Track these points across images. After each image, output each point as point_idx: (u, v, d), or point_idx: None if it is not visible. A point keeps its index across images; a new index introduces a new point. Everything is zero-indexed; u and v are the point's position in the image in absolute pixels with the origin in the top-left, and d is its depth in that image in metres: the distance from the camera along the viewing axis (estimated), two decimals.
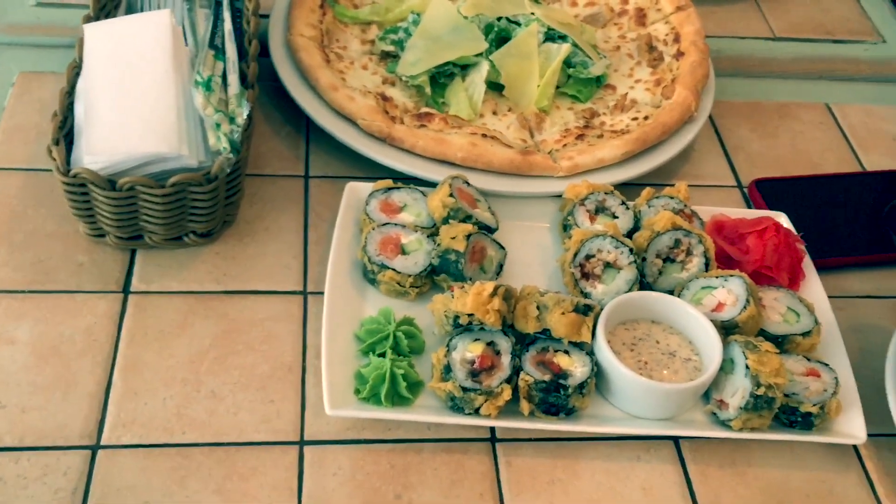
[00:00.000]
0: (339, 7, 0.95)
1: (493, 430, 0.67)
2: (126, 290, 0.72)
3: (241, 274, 0.74)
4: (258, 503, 0.61)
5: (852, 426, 0.67)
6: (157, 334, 0.69)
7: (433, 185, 0.79)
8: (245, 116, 0.72)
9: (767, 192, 0.87)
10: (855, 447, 0.69)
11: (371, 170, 0.83)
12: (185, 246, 0.75)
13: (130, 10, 0.86)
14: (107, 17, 0.83)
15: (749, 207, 0.87)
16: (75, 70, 0.75)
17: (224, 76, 0.77)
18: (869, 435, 0.69)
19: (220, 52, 0.80)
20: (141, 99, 0.71)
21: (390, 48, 0.92)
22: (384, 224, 0.74)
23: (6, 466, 0.60)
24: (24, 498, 0.59)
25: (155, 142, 0.68)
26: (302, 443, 0.65)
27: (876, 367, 0.72)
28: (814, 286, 0.77)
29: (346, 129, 0.83)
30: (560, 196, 0.81)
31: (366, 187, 0.78)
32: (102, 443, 0.62)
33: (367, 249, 0.72)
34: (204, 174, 0.69)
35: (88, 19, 0.80)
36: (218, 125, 0.72)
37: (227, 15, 0.86)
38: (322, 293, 0.71)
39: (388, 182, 0.78)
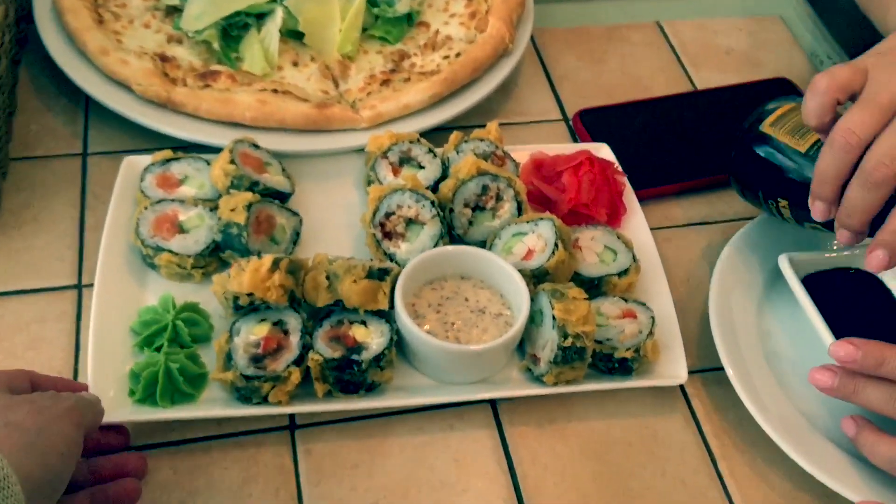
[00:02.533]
0: None
1: (292, 416, 0.61)
2: None
3: (5, 272, 0.66)
4: None
5: (673, 367, 0.64)
6: None
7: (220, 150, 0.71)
8: None
9: (592, 123, 0.82)
10: (681, 386, 0.66)
11: (156, 141, 0.75)
12: None
13: None
14: None
15: (575, 141, 0.82)
16: None
17: None
18: (696, 371, 0.66)
19: None
20: None
21: (175, 1, 0.83)
22: (159, 201, 0.67)
23: None
24: None
25: None
26: None
27: (703, 299, 0.69)
28: (636, 220, 0.73)
29: (123, 98, 0.75)
30: (362, 151, 0.75)
31: (144, 160, 0.71)
32: None
33: (139, 231, 0.65)
34: None
35: None
36: None
37: None
38: None
39: (167, 153, 0.71)
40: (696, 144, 0.83)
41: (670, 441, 0.63)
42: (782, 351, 0.67)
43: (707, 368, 0.67)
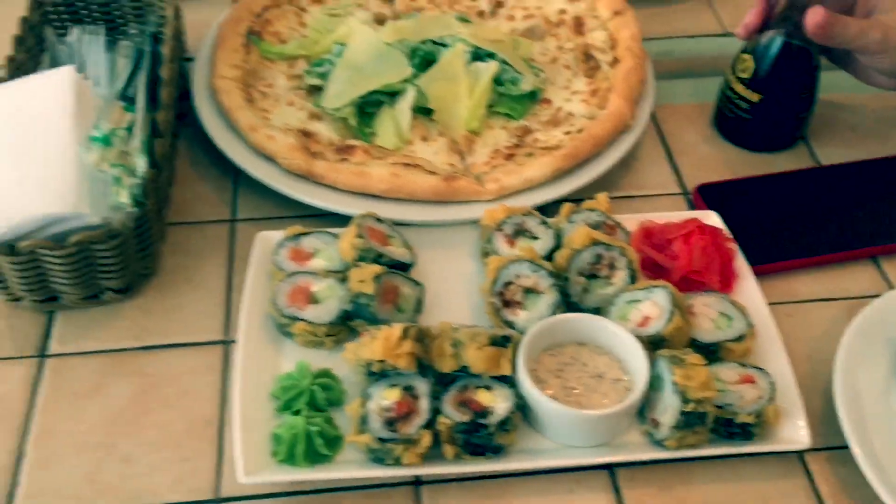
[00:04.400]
0: (263, 44, 0.94)
1: (417, 477, 0.65)
2: (43, 354, 0.71)
3: (161, 328, 0.73)
4: None
5: (794, 432, 0.64)
6: (72, 398, 0.68)
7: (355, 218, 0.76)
8: (144, 168, 0.70)
9: (712, 197, 0.84)
10: (801, 456, 0.66)
11: (297, 209, 0.81)
12: (104, 303, 0.74)
13: (54, 65, 0.86)
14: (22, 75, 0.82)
15: None
16: None
17: (128, 128, 0.76)
18: (819, 449, 0.66)
19: (132, 103, 0.79)
20: (38, 160, 0.70)
21: (317, 81, 0.90)
22: (293, 274, 0.72)
23: None
24: None
25: (51, 202, 0.67)
26: (219, 500, 0.63)
27: (827, 377, 0.69)
28: (748, 287, 0.74)
29: (270, 171, 0.82)
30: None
31: (276, 235, 0.76)
32: None
33: (276, 302, 0.70)
34: (105, 231, 0.67)
35: (9, 74, 0.79)
36: (118, 179, 0.71)
37: (145, 63, 0.85)
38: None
39: (298, 228, 0.76)
40: (819, 220, 0.83)
41: None
42: None
43: (831, 447, 0.66)
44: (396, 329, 0.64)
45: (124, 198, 0.69)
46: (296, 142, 0.82)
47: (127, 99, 0.81)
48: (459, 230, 0.80)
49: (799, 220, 0.84)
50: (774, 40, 0.85)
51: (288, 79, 0.92)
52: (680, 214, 0.79)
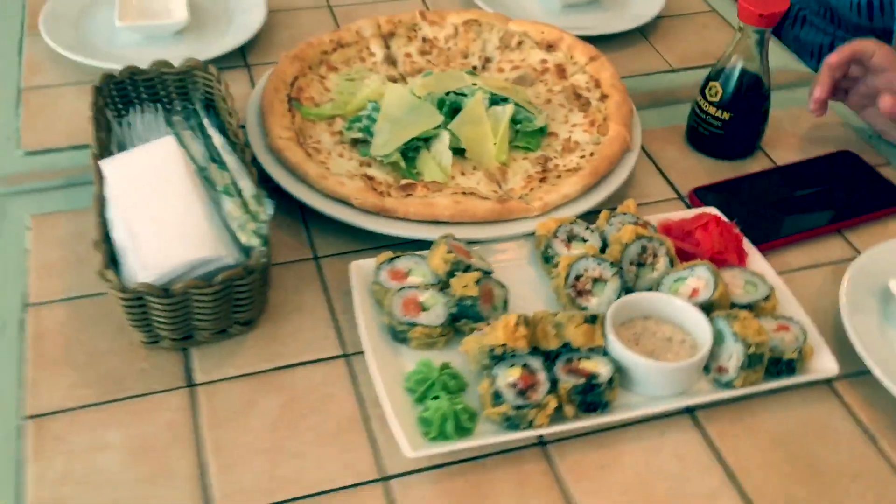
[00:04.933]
0: (304, 108, 1.06)
1: (540, 438, 0.78)
2: (191, 384, 0.80)
3: (286, 351, 0.84)
4: None
5: (825, 364, 0.81)
6: (231, 415, 0.77)
7: (428, 244, 0.90)
8: (269, 213, 0.82)
9: (704, 196, 1.02)
10: (831, 386, 0.83)
11: (369, 241, 0.93)
12: (231, 336, 0.84)
13: (121, 147, 0.96)
14: (108, 154, 0.92)
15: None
16: (100, 202, 0.84)
17: (233, 183, 0.87)
18: (842, 377, 0.83)
19: (220, 164, 0.90)
20: (174, 215, 0.80)
21: (358, 135, 1.04)
22: (401, 289, 0.85)
23: None
24: None
25: (197, 248, 0.78)
26: (386, 478, 0.74)
27: (831, 321, 0.86)
28: (758, 261, 0.92)
29: (343, 210, 0.94)
30: (530, 234, 0.94)
31: (366, 262, 0.89)
32: None
33: (392, 314, 0.82)
34: (244, 268, 0.78)
35: (97, 157, 0.88)
36: (242, 225, 0.82)
37: (212, 132, 0.96)
38: (361, 353, 0.81)
39: (389, 254, 0.88)
40: (792, 206, 1.03)
41: (836, 430, 0.79)
42: None
43: (850, 374, 0.84)
44: (512, 317, 0.77)
45: (252, 239, 0.80)
46: (363, 184, 0.95)
47: (213, 161, 0.92)
48: (514, 242, 0.94)
49: (776, 208, 1.03)
50: (734, 70, 1.05)
51: (331, 135, 1.05)
52: (686, 213, 0.97)
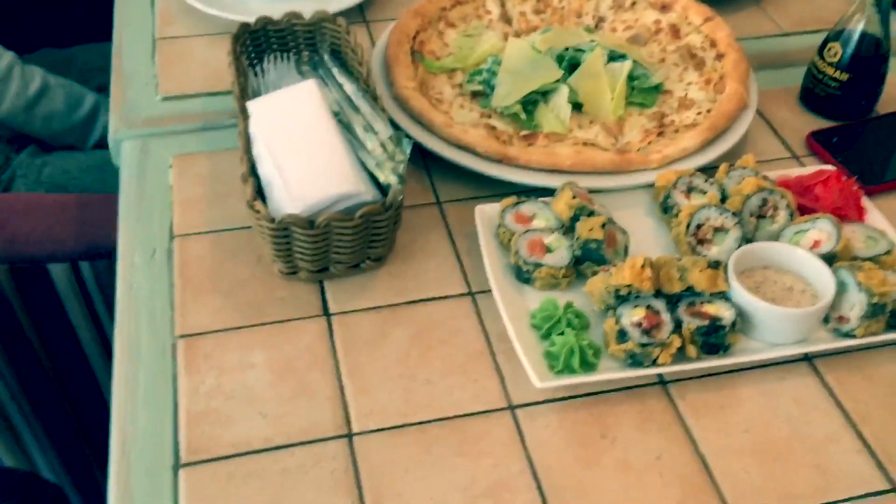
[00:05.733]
0: (426, 60, 1.10)
1: (660, 377, 0.80)
2: (326, 314, 0.85)
3: (415, 287, 0.88)
4: (493, 457, 0.74)
5: None
6: (364, 344, 0.82)
7: (548, 192, 0.93)
8: (407, 153, 0.86)
9: (822, 139, 1.06)
10: None
11: (491, 188, 0.97)
12: (363, 272, 0.88)
13: (255, 94, 1.00)
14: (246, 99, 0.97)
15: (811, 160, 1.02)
16: (246, 139, 0.89)
17: (369, 125, 0.91)
18: None
19: (355, 109, 0.94)
20: (318, 152, 0.85)
21: (478, 88, 1.07)
22: (526, 231, 0.88)
23: (285, 460, 0.73)
24: (309, 480, 0.71)
25: (340, 184, 0.82)
26: (512, 407, 0.77)
27: None
28: (877, 217, 0.92)
29: (466, 157, 0.98)
30: (649, 186, 0.96)
31: (490, 207, 0.92)
32: (354, 431, 0.75)
33: (519, 254, 0.86)
34: (382, 204, 0.82)
35: (239, 99, 0.94)
36: (380, 164, 0.86)
37: (343, 79, 1.00)
38: (486, 292, 0.85)
39: (513, 198, 0.92)
40: None
41: None
42: None
43: None
44: (639, 259, 0.80)
45: (391, 178, 0.85)
46: (486, 133, 0.99)
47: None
48: (632, 194, 0.96)
49: (892, 151, 1.03)
50: (855, 31, 1.05)
51: (452, 87, 1.08)
52: (804, 170, 0.98)
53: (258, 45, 1.07)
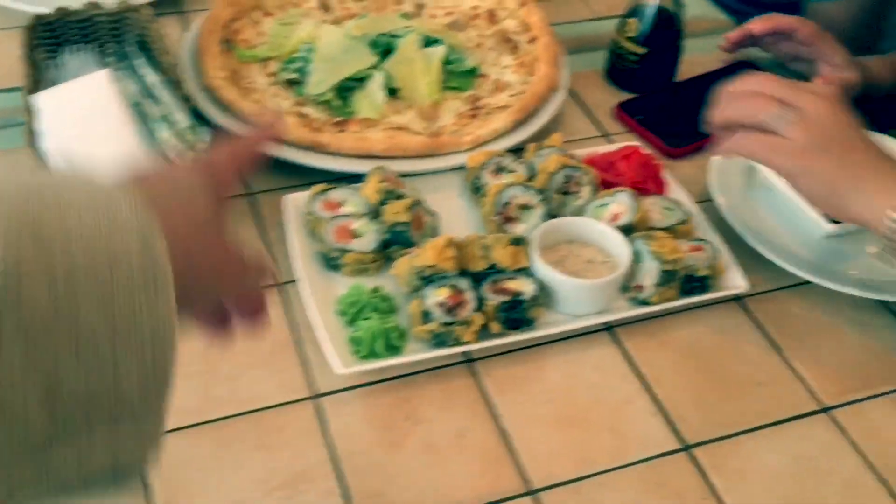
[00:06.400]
0: (239, 50, 1.08)
1: (466, 355, 0.81)
2: None
3: None
4: (293, 448, 0.73)
5: (735, 280, 0.86)
6: None
7: (360, 177, 0.93)
8: (205, 140, 0.84)
9: (628, 108, 1.10)
10: (741, 302, 0.88)
11: (304, 176, 0.95)
12: None
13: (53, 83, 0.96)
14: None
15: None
16: (32, 135, 0.85)
17: (168, 114, 0.88)
18: (751, 294, 0.88)
19: (154, 100, 0.91)
20: (109, 145, 0.82)
21: (293, 76, 1.05)
22: (333, 217, 0.87)
23: None
24: None
25: None
26: (316, 396, 0.77)
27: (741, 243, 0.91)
28: (676, 190, 0.96)
29: (278, 147, 0.96)
30: (462, 168, 0.97)
31: (300, 195, 0.91)
32: None
33: (326, 240, 0.85)
34: None
35: (27, 94, 0.89)
36: (180, 154, 0.84)
37: (146, 70, 0.97)
38: (293, 282, 0.84)
39: (322, 185, 0.91)
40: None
41: (746, 343, 0.84)
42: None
43: (760, 291, 0.89)
44: (441, 239, 0.81)
45: None
46: (298, 120, 0.97)
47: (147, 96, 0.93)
48: (444, 176, 0.97)
49: (691, 114, 1.07)
50: (649, 6, 1.10)
51: (266, 76, 1.06)
52: (612, 147, 1.01)
53: (57, 38, 1.03)
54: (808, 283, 0.88)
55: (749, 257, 0.89)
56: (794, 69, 1.20)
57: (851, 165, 0.76)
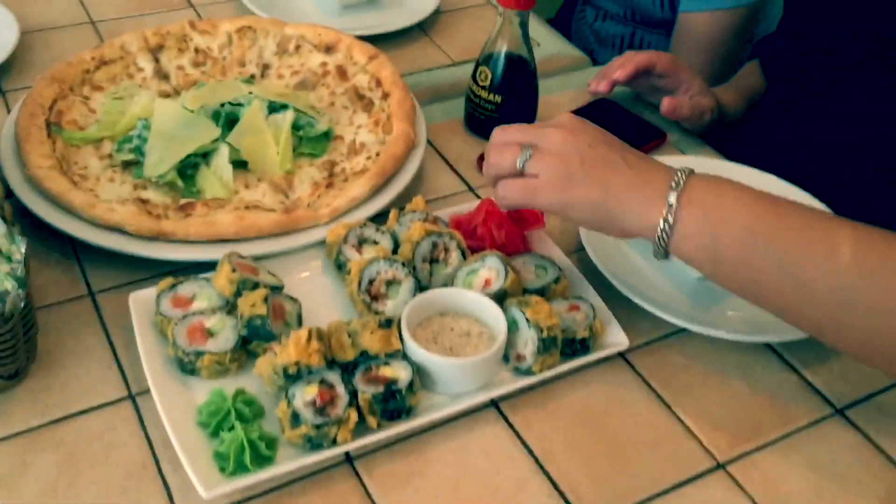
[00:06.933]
0: (66, 132, 0.98)
1: (346, 454, 0.75)
2: None
3: (62, 401, 0.77)
4: None
5: (616, 337, 0.83)
6: (2, 482, 0.70)
7: (213, 264, 0.85)
8: (23, 251, 0.74)
9: None
10: (624, 358, 0.85)
11: (150, 269, 0.87)
12: None
13: None
14: None
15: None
16: None
17: None
18: (633, 349, 0.85)
19: None
20: None
21: (129, 157, 0.97)
22: (184, 317, 0.80)
23: None
24: None
25: None
26: None
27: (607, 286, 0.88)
28: (546, 243, 0.93)
29: (117, 239, 0.88)
30: (321, 243, 0.91)
31: (148, 292, 0.83)
32: None
33: (177, 344, 0.77)
34: (2, 316, 0.71)
35: None
36: None
37: None
38: (148, 389, 0.76)
39: (169, 280, 0.83)
40: None
41: (633, 400, 0.81)
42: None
43: (640, 345, 0.86)
44: (303, 332, 0.74)
45: (6, 283, 0.73)
46: (137, 209, 0.89)
47: None
48: (303, 254, 0.90)
49: None
50: (500, 53, 1.07)
51: (99, 160, 0.97)
52: (474, 203, 0.96)
53: None
54: (687, 330, 0.86)
55: (627, 307, 0.87)
56: (651, 101, 1.20)
57: (612, 186, 0.77)
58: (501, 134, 0.83)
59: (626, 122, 1.15)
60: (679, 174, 0.77)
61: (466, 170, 1.08)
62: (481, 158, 1.06)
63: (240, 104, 1.02)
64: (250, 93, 1.03)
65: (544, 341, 0.78)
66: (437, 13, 1.35)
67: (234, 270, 0.81)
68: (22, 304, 0.72)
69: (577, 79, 1.26)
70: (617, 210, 0.77)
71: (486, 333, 0.81)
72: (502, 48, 1.07)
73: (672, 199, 0.76)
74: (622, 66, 1.13)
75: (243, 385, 0.77)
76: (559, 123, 0.81)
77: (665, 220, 0.75)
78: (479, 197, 1.03)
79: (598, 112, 1.14)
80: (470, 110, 1.12)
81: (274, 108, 1.02)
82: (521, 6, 1.04)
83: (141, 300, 0.82)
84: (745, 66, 1.33)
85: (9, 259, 0.75)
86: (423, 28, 1.33)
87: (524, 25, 1.06)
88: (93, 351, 0.81)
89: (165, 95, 1.07)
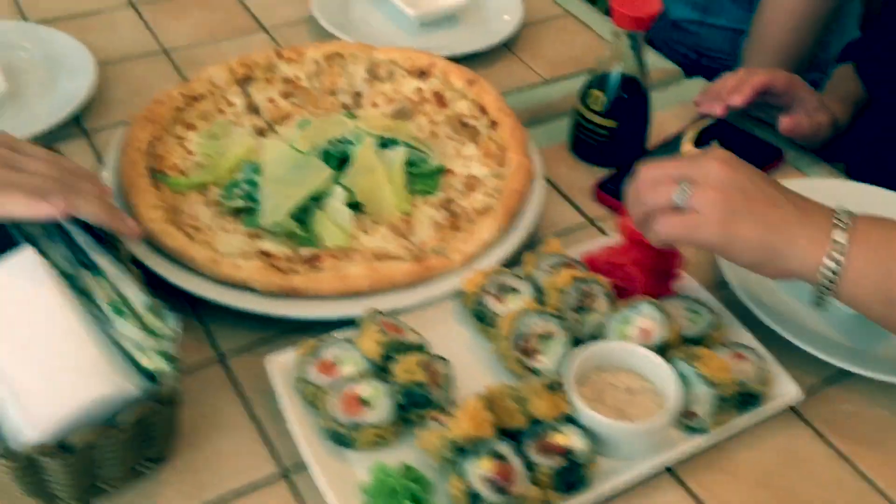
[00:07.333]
0: (171, 179, 0.93)
1: None
2: None
3: (210, 480, 0.72)
4: None
5: (786, 388, 0.78)
6: None
7: (346, 322, 0.80)
8: (173, 327, 0.69)
9: (607, 187, 1.02)
10: (795, 410, 0.80)
11: (278, 325, 0.82)
12: (140, 475, 0.71)
13: None
14: None
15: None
16: None
17: (117, 293, 0.73)
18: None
19: (94, 269, 0.76)
20: (53, 347, 0.66)
21: (240, 203, 0.91)
22: (336, 385, 0.74)
23: None
24: None
25: (92, 385, 0.64)
26: None
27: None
28: (687, 282, 0.87)
29: (244, 297, 0.82)
30: (454, 291, 0.85)
31: (285, 356, 0.77)
32: None
33: (333, 415, 0.72)
34: (156, 399, 0.66)
35: None
36: (141, 345, 0.69)
37: (70, 226, 0.81)
38: (301, 464, 0.71)
39: (311, 343, 0.77)
40: None
41: (810, 455, 0.77)
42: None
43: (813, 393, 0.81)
44: (476, 402, 0.69)
45: (158, 363, 0.68)
46: (262, 263, 0.84)
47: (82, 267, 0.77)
48: (437, 306, 0.85)
49: None
50: (614, 76, 1.01)
51: (207, 206, 0.92)
52: (605, 241, 0.91)
53: None
54: (848, 371, 0.81)
55: (780, 349, 0.81)
56: (757, 116, 1.15)
57: (776, 224, 0.73)
58: (652, 170, 0.79)
59: (743, 141, 1.10)
60: (842, 212, 0.73)
61: (580, 199, 1.03)
62: (599, 187, 1.01)
63: (349, 141, 0.96)
64: (358, 127, 0.97)
65: (720, 399, 0.74)
66: (519, 28, 1.30)
67: (381, 332, 0.76)
68: (176, 385, 0.67)
69: (674, 93, 1.21)
70: (781, 248, 0.73)
71: (649, 388, 0.76)
72: (617, 69, 1.02)
73: (840, 237, 0.72)
74: (738, 91, 1.07)
75: (401, 457, 0.72)
76: (715, 157, 0.77)
77: (832, 260, 0.71)
78: (601, 230, 0.98)
79: (713, 134, 1.09)
80: (579, 135, 1.07)
81: (384, 143, 0.97)
82: (640, 27, 0.98)
83: (280, 365, 0.77)
84: (838, 70, 1.27)
85: (156, 335, 0.69)
86: (505, 43, 1.28)
87: (638, 47, 1.01)
88: (234, 422, 0.76)
89: (259, 130, 1.02)
